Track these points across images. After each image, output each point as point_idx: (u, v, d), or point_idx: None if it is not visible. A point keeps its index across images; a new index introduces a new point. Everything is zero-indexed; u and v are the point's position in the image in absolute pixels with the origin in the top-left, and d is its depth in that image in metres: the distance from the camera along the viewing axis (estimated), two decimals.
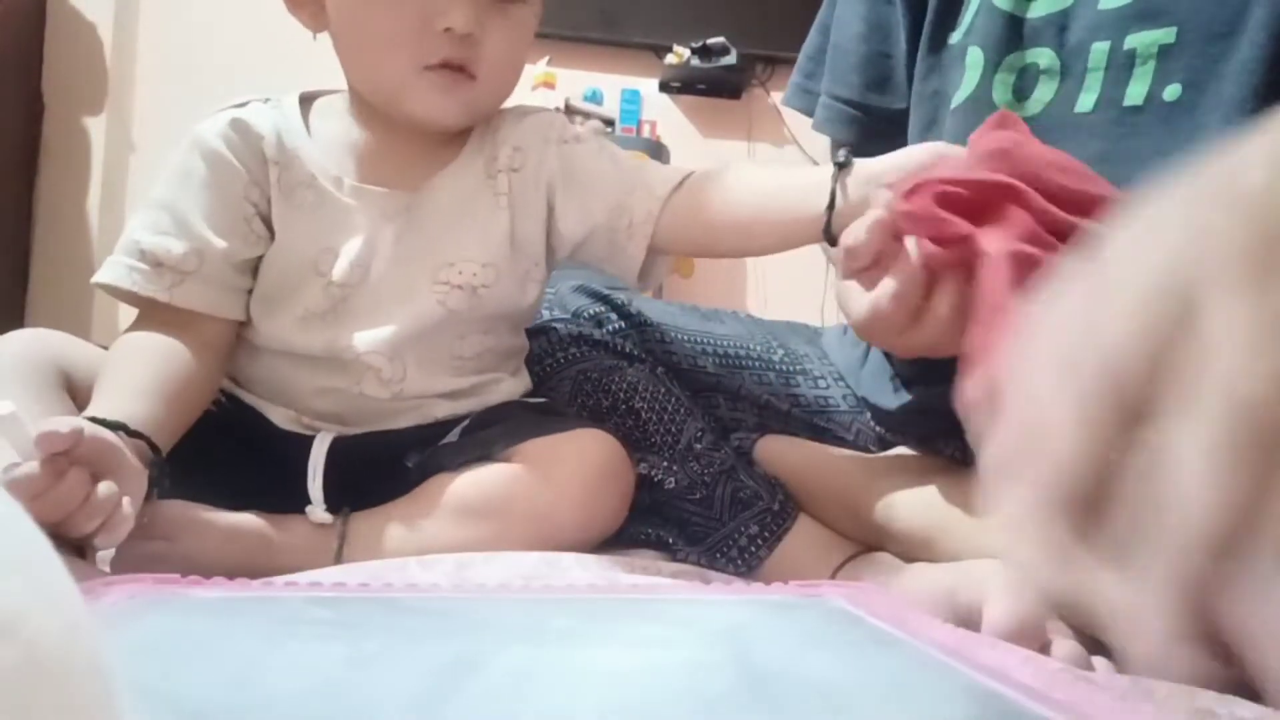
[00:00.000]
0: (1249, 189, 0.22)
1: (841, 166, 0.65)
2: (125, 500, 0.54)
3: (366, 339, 0.71)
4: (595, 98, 2.38)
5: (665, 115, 2.47)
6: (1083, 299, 0.25)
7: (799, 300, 2.21)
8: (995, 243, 0.51)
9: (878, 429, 0.80)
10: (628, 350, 0.86)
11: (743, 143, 2.52)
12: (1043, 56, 0.66)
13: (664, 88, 2.46)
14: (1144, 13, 0.62)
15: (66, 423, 0.52)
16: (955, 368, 0.70)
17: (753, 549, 0.74)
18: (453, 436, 0.75)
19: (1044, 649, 0.53)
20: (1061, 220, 0.51)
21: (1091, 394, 0.23)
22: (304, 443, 0.71)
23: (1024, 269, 0.49)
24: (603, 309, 0.87)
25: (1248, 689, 0.47)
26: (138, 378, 0.64)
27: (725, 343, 0.87)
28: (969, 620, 0.55)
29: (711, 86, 2.45)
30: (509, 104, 0.79)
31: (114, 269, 0.70)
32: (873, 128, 0.79)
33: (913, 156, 0.62)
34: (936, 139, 0.73)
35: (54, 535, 0.52)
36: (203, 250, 0.70)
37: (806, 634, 0.45)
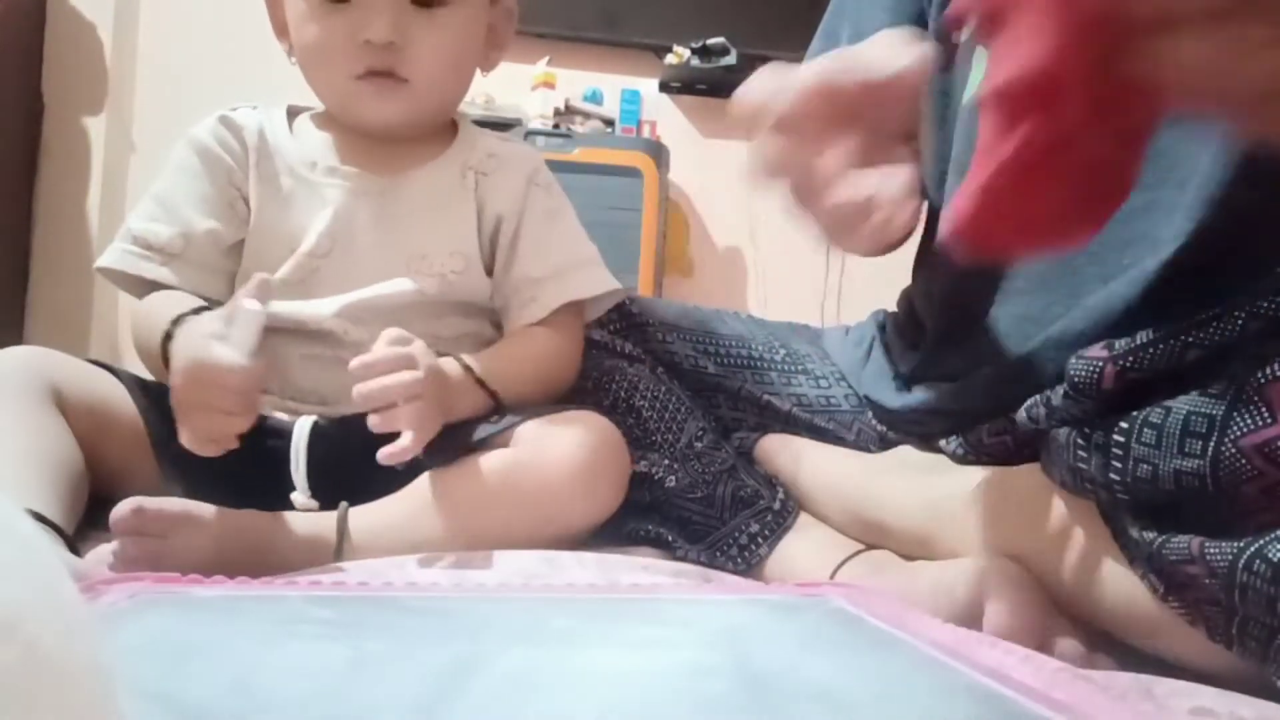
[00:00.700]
0: None
1: None
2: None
3: (332, 303, 0.76)
4: (595, 98, 2.37)
5: (665, 115, 2.46)
6: None
7: (799, 300, 2.21)
8: None
9: (879, 428, 0.80)
10: (628, 350, 0.86)
11: (743, 143, 2.52)
12: None
13: (664, 88, 2.46)
14: None
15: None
16: (954, 369, 0.71)
17: (753, 548, 0.74)
18: None
19: (1044, 647, 0.53)
20: None
21: None
22: (289, 433, 0.72)
23: None
24: None
25: (1248, 687, 0.47)
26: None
27: (726, 343, 0.87)
28: (969, 618, 0.55)
29: (711, 86, 2.45)
30: (502, 132, 0.87)
31: (110, 254, 0.77)
32: None
33: None
34: (946, 138, 0.72)
35: None
36: (188, 234, 0.77)
37: (806, 635, 0.45)
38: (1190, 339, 0.49)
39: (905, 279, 0.84)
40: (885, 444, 0.80)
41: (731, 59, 2.33)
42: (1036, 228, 0.40)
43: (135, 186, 2.24)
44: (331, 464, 0.70)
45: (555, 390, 0.80)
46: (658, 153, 2.20)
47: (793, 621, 0.47)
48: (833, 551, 0.72)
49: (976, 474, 0.65)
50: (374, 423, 0.64)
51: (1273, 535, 0.44)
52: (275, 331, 0.74)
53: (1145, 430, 0.48)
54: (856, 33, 0.81)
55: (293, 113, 0.85)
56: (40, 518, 0.58)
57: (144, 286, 0.77)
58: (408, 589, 0.50)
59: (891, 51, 0.56)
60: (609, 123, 2.33)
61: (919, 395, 0.72)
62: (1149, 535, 0.50)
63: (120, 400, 0.73)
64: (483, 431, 0.71)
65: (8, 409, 0.64)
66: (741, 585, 0.65)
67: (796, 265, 2.26)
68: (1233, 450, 0.45)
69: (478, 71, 0.85)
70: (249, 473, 0.68)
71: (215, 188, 0.78)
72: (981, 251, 0.40)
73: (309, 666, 0.35)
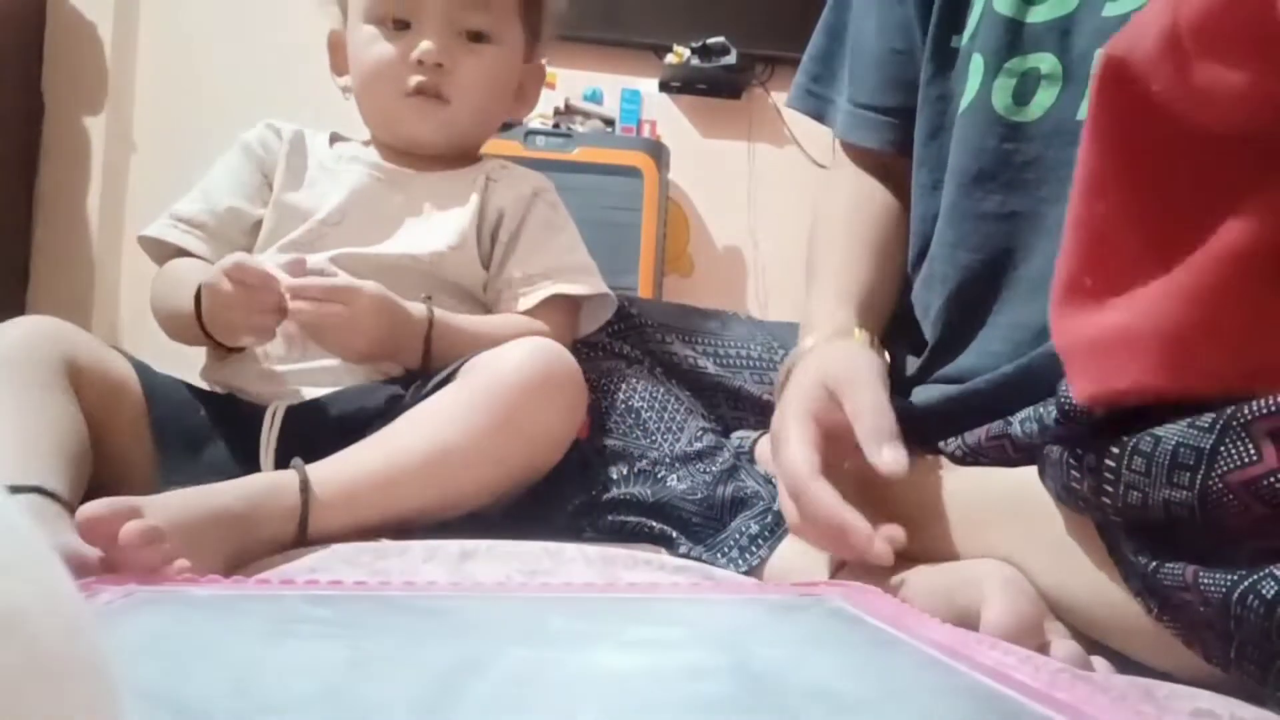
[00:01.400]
0: None
1: None
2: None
3: (330, 253, 0.82)
4: (595, 97, 2.37)
5: (665, 115, 2.46)
6: None
7: (799, 300, 2.21)
8: None
9: None
10: (626, 352, 0.86)
11: (743, 143, 2.52)
12: (1044, 62, 0.66)
13: (664, 87, 2.46)
14: None
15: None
16: (953, 374, 0.71)
17: (753, 549, 0.74)
18: None
19: (1043, 649, 0.53)
20: None
21: None
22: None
23: None
24: None
25: (1247, 693, 0.47)
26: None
27: (726, 343, 0.87)
28: (967, 620, 0.55)
29: (711, 86, 2.45)
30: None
31: (154, 227, 0.87)
32: (900, 128, 0.78)
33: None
34: (943, 144, 0.72)
35: None
36: (214, 210, 0.87)
37: (806, 635, 0.45)
38: None
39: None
40: None
41: (731, 59, 2.33)
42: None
43: (135, 186, 2.24)
44: (304, 447, 0.69)
45: None
46: (658, 153, 2.20)
47: (792, 621, 0.47)
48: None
49: (976, 476, 0.65)
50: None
51: (1266, 571, 0.44)
52: None
53: (1135, 458, 0.48)
54: (855, 43, 0.81)
55: (334, 139, 0.95)
56: (47, 493, 0.58)
57: (170, 256, 0.87)
58: (405, 588, 0.50)
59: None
60: (609, 122, 2.33)
61: (918, 398, 0.72)
62: (1143, 559, 0.50)
63: (129, 381, 0.74)
64: (438, 377, 0.74)
65: (20, 378, 0.65)
66: (741, 585, 0.65)
67: (796, 265, 2.26)
68: (1219, 485, 0.45)
69: None
70: (243, 460, 0.69)
71: (247, 174, 0.90)
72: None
73: (309, 666, 0.35)
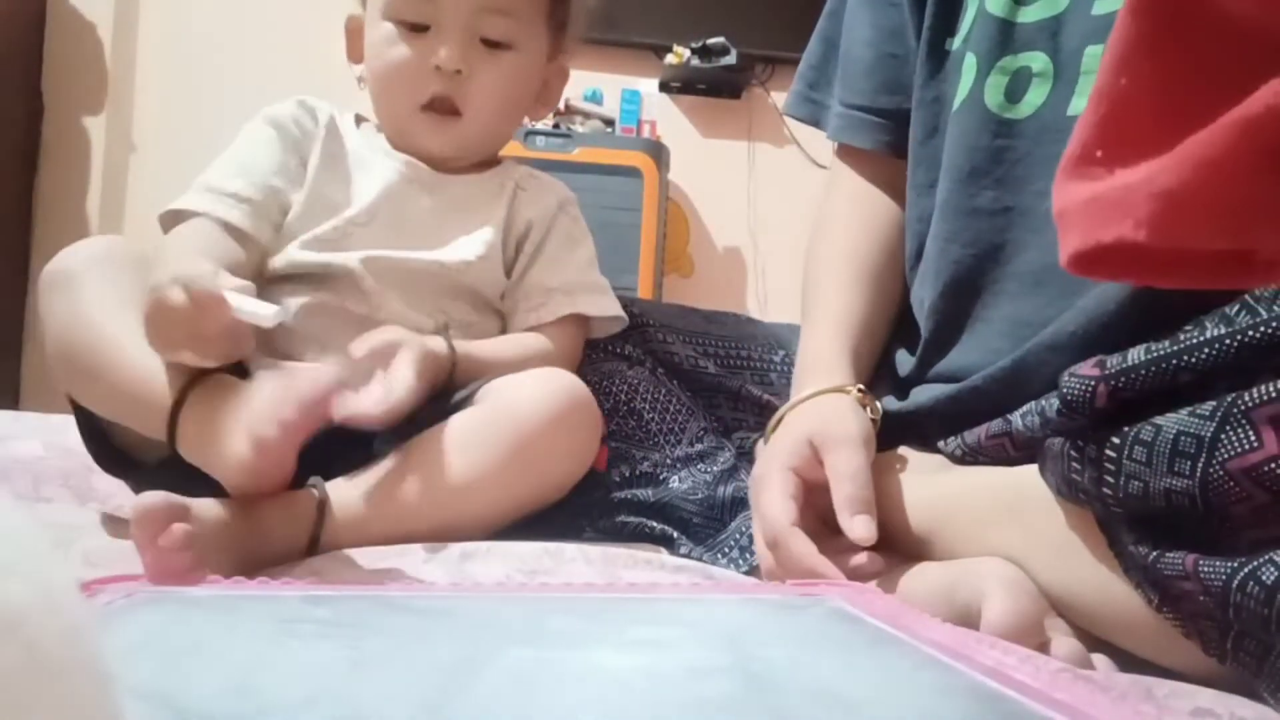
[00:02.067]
0: None
1: None
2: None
3: (359, 254, 0.80)
4: (595, 97, 2.38)
5: (665, 115, 2.46)
6: None
7: (799, 300, 2.22)
8: None
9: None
10: (628, 352, 0.86)
11: (743, 143, 2.52)
12: (1036, 60, 0.66)
13: (664, 88, 2.46)
14: None
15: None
16: (950, 372, 0.71)
17: (753, 548, 0.74)
18: None
19: (1043, 647, 0.53)
20: None
21: None
22: None
23: None
24: None
25: (1246, 692, 0.47)
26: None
27: (726, 344, 0.87)
28: (967, 619, 0.55)
29: (711, 86, 2.45)
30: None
31: (193, 199, 0.80)
32: (892, 129, 0.79)
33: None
34: (937, 146, 0.73)
35: None
36: (261, 184, 0.82)
37: (806, 634, 0.45)
38: (1182, 362, 0.49)
39: None
40: (884, 444, 0.80)
41: (731, 59, 2.33)
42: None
43: (135, 186, 2.24)
44: (312, 449, 0.69)
45: None
46: (658, 153, 2.20)
47: (792, 621, 0.47)
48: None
49: (975, 475, 0.65)
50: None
51: (1266, 558, 0.44)
52: (290, 279, 0.79)
53: (1136, 448, 0.48)
54: (847, 48, 0.82)
55: (358, 120, 0.93)
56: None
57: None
58: (404, 588, 0.50)
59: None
60: (609, 123, 2.33)
61: (916, 397, 0.72)
62: (1143, 549, 0.50)
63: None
64: (456, 398, 0.73)
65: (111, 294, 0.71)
66: (740, 584, 0.65)
67: (796, 265, 2.26)
68: (1220, 473, 0.45)
69: None
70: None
71: (284, 154, 0.85)
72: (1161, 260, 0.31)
73: (310, 666, 0.35)
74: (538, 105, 0.93)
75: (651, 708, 0.32)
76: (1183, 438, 0.47)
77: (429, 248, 0.83)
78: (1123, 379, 0.51)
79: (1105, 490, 0.51)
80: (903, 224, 0.79)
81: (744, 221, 2.50)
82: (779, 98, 2.39)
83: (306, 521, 0.64)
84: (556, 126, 2.19)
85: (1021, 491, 0.60)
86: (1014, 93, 0.67)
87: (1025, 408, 0.60)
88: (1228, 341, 0.47)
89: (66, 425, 0.93)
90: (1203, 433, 0.46)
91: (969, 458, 0.67)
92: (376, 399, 0.65)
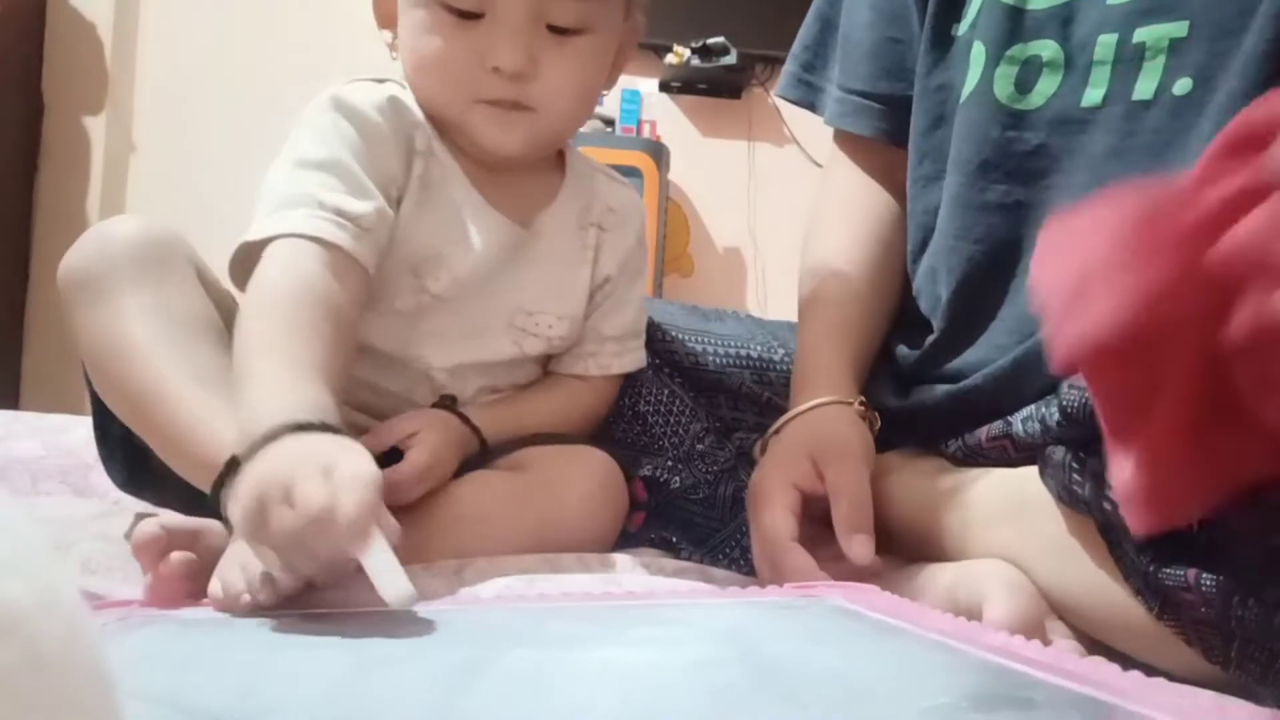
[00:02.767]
0: None
1: None
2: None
3: (441, 354, 0.71)
4: None
5: (665, 115, 2.46)
6: None
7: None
8: None
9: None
10: None
11: (743, 142, 2.52)
12: (1046, 49, 0.65)
13: (664, 87, 2.46)
14: (1154, 6, 0.61)
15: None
16: (954, 370, 0.71)
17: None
18: None
19: None
20: None
21: None
22: None
23: None
24: None
25: (1246, 694, 0.47)
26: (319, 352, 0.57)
27: (726, 342, 0.87)
28: (968, 619, 0.55)
29: (711, 86, 2.45)
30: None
31: (291, 219, 0.62)
32: (892, 116, 0.78)
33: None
34: (944, 136, 0.71)
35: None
36: (380, 210, 0.66)
37: (809, 629, 0.45)
38: None
39: None
40: (884, 444, 0.80)
41: (731, 59, 2.33)
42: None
43: (135, 186, 2.24)
44: None
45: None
46: (658, 153, 2.20)
47: (794, 619, 0.47)
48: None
49: (976, 476, 0.65)
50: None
51: (1263, 579, 0.44)
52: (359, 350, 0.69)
53: None
54: (847, 31, 0.81)
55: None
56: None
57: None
58: None
59: None
60: (609, 122, 2.33)
61: (917, 396, 0.72)
62: (1144, 558, 0.50)
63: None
64: (490, 456, 0.71)
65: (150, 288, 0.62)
66: (736, 589, 0.65)
67: (796, 265, 2.26)
68: None
69: None
70: None
71: (380, 171, 0.68)
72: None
73: (315, 670, 0.35)
74: (611, 76, 0.77)
75: (665, 698, 0.32)
76: None
77: (513, 333, 0.74)
78: None
79: (1106, 504, 0.51)
80: (900, 217, 0.78)
81: (744, 221, 2.50)
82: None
83: None
84: None
85: (1023, 493, 0.60)
86: (1024, 83, 0.66)
87: (1025, 412, 0.60)
88: None
89: (66, 425, 0.93)
90: None
91: (970, 459, 0.67)
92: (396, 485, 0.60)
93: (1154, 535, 0.47)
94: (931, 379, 0.72)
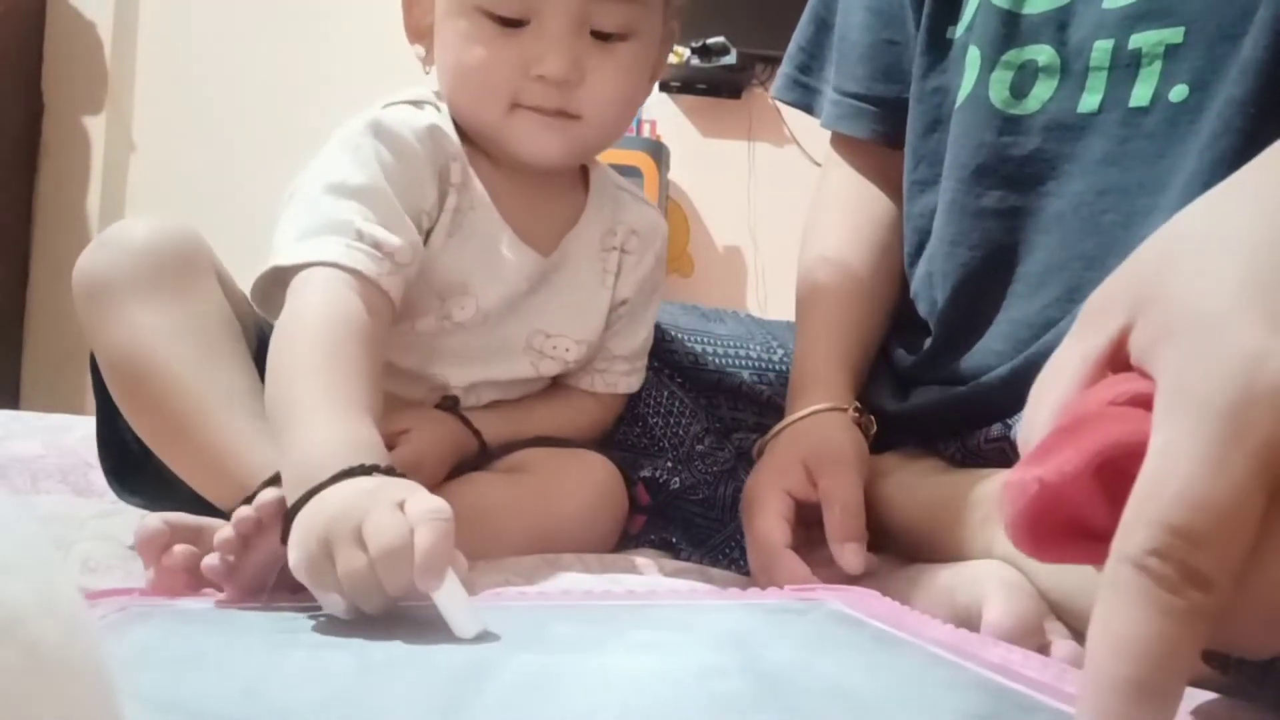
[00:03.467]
0: None
1: None
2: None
3: (458, 373, 0.71)
4: None
5: (665, 115, 2.46)
6: None
7: None
8: None
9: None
10: None
11: (743, 142, 2.52)
12: (1042, 54, 0.65)
13: (664, 87, 2.46)
14: (1150, 12, 0.61)
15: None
16: (952, 373, 0.71)
17: None
18: None
19: (1043, 649, 0.53)
20: None
21: None
22: None
23: None
24: None
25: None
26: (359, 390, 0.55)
27: (725, 342, 0.87)
28: (967, 621, 0.55)
29: (711, 86, 2.45)
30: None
31: (330, 249, 0.60)
32: (888, 119, 0.78)
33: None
34: (940, 139, 0.71)
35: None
36: (415, 245, 0.65)
37: (810, 637, 0.45)
38: None
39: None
40: (884, 445, 0.80)
41: (731, 59, 2.33)
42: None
43: (135, 186, 2.24)
44: None
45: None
46: (658, 152, 2.20)
47: (794, 624, 0.47)
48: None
49: (976, 477, 0.65)
50: None
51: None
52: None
53: None
54: (842, 33, 0.81)
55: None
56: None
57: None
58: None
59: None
60: None
61: (917, 399, 0.72)
62: None
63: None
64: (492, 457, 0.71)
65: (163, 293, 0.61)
66: (736, 591, 0.65)
67: (796, 265, 2.26)
68: None
69: None
70: None
71: (414, 203, 0.66)
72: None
73: (318, 672, 0.35)
74: (653, 81, 0.76)
75: (668, 708, 0.32)
76: None
77: (531, 355, 0.74)
78: None
79: None
80: (898, 221, 0.78)
81: (744, 221, 2.50)
82: None
83: None
84: None
85: None
86: (1020, 88, 0.66)
87: (1021, 415, 0.60)
88: None
89: (66, 424, 0.94)
90: None
91: (968, 461, 0.67)
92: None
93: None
94: (929, 382, 0.72)
